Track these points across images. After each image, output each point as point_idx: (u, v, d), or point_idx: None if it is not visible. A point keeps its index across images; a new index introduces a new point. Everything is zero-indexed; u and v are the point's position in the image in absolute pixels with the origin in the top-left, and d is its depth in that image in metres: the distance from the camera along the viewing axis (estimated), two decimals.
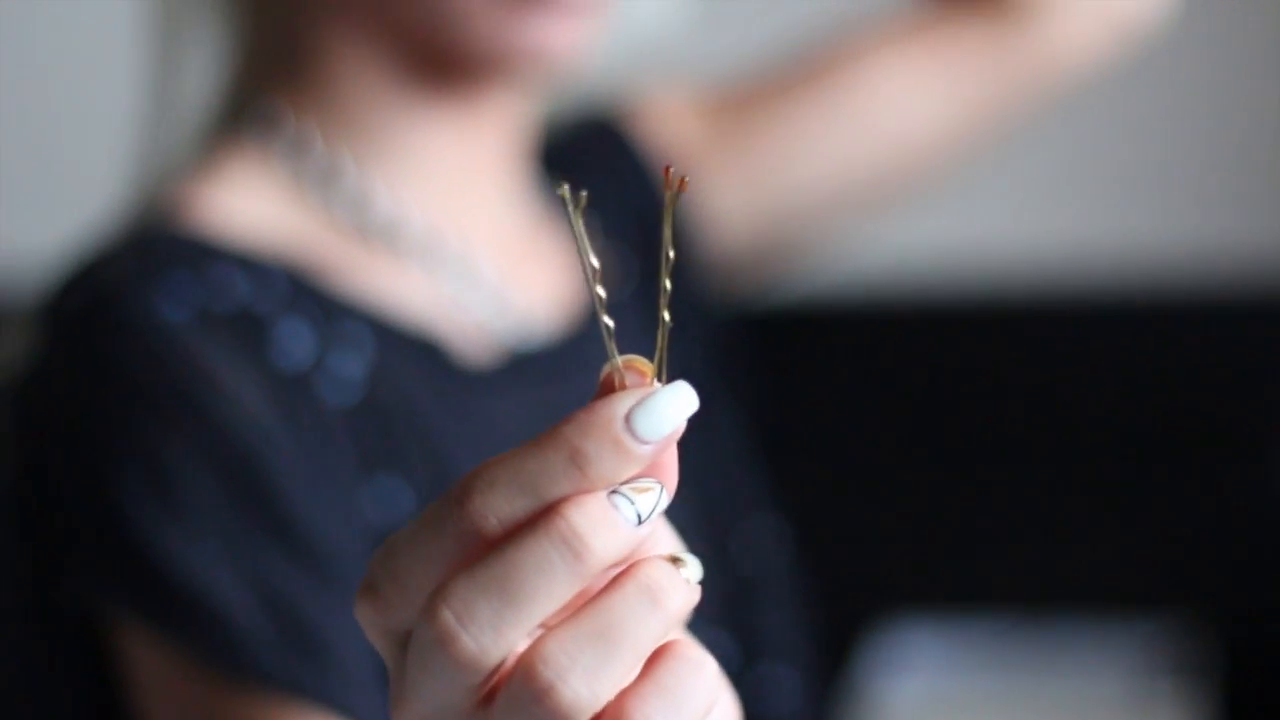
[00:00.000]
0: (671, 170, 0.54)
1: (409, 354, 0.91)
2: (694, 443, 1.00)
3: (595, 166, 1.03)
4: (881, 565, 1.79)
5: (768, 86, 1.06)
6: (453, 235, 0.95)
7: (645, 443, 0.51)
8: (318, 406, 0.86)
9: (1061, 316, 1.82)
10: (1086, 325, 1.83)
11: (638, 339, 0.97)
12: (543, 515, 0.50)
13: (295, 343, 0.88)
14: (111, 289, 0.85)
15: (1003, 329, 1.82)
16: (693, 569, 0.52)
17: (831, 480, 1.75)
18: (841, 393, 1.79)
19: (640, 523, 0.51)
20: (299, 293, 0.89)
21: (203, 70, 0.95)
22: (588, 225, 0.98)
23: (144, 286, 0.84)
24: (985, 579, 1.79)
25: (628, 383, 0.53)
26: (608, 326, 0.55)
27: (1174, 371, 1.80)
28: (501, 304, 0.95)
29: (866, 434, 1.78)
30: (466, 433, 0.91)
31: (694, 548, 0.96)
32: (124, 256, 0.88)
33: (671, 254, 0.57)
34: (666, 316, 0.55)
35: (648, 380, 0.54)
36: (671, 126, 1.05)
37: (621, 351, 0.55)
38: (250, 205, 0.91)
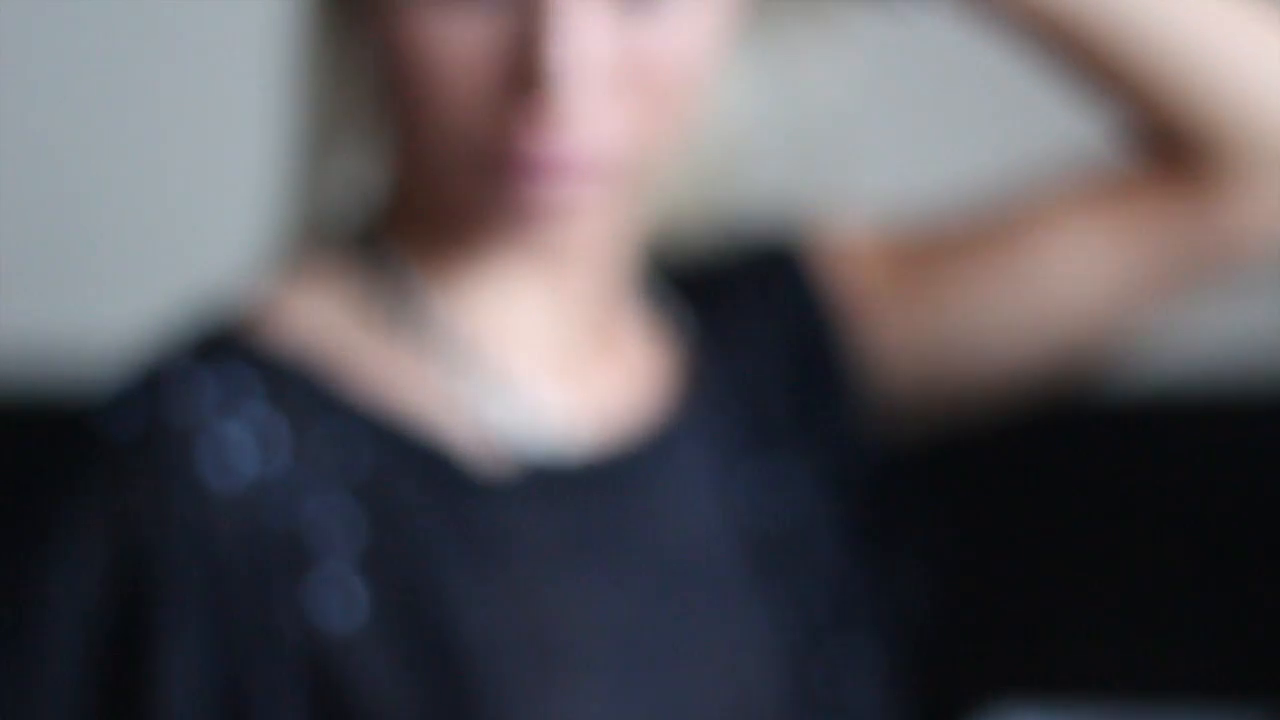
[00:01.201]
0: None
1: (412, 461, 0.91)
2: (786, 566, 0.96)
3: (753, 294, 1.01)
4: (986, 651, 1.76)
5: (948, 239, 1.02)
6: (495, 340, 0.95)
7: None
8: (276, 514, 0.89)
9: (1166, 414, 1.80)
10: (1187, 421, 1.80)
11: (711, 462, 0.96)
12: None
13: (241, 452, 0.89)
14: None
15: (1104, 427, 1.79)
16: None
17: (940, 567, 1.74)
18: None
19: None
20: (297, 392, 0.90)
21: (335, 186, 0.97)
22: (729, 354, 0.99)
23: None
24: (1091, 666, 1.77)
25: None
26: None
27: None
28: (535, 415, 0.93)
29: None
30: (466, 545, 0.90)
31: (773, 672, 0.94)
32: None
33: None
34: None
35: None
36: (849, 267, 1.02)
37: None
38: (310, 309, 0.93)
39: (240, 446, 0.89)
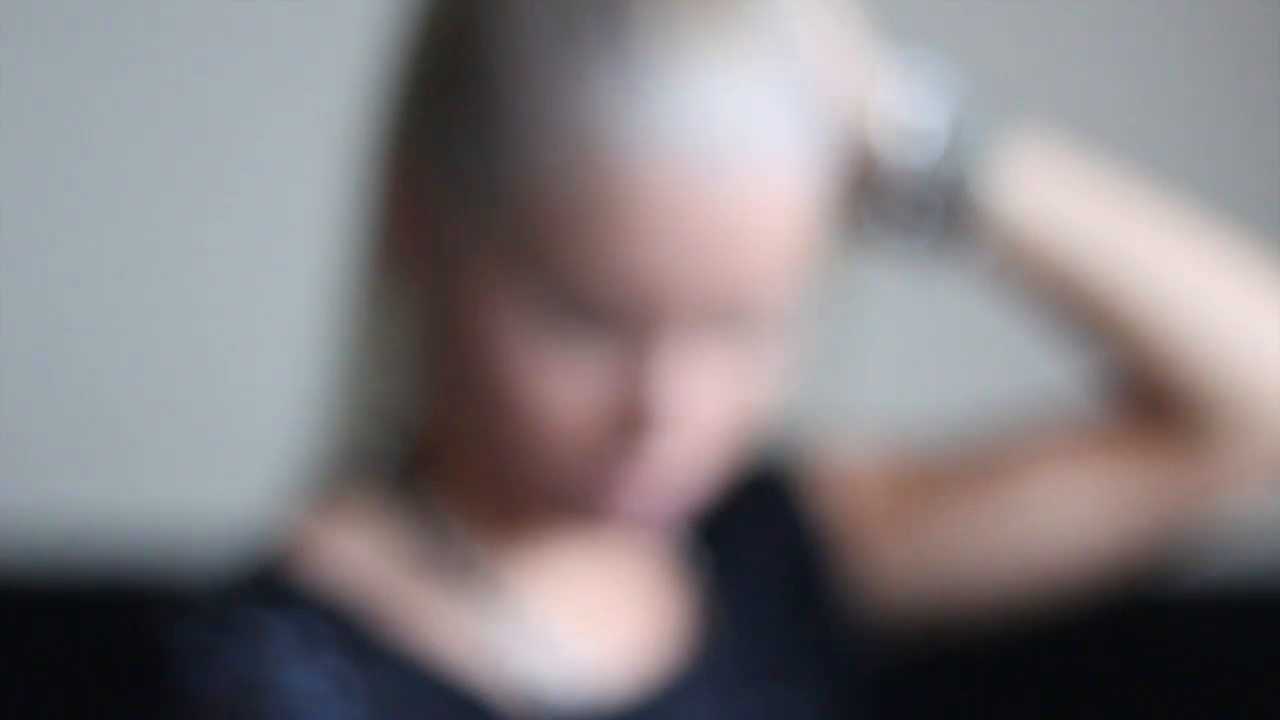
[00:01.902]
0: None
1: (447, 709, 0.91)
2: None
3: (753, 524, 1.03)
4: None
5: (942, 470, 1.04)
6: (530, 590, 0.95)
7: None
8: None
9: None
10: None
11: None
12: None
13: (319, 701, 0.90)
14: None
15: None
16: None
17: None
18: None
19: None
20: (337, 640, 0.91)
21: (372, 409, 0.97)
22: (733, 585, 1.00)
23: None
24: None
25: None
26: None
27: None
28: (569, 667, 0.95)
29: None
30: None
31: None
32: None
33: None
34: None
35: None
36: (844, 495, 1.04)
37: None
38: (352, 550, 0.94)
39: (316, 696, 0.89)
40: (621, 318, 0.86)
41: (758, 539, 1.02)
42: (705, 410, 0.87)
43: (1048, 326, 1.00)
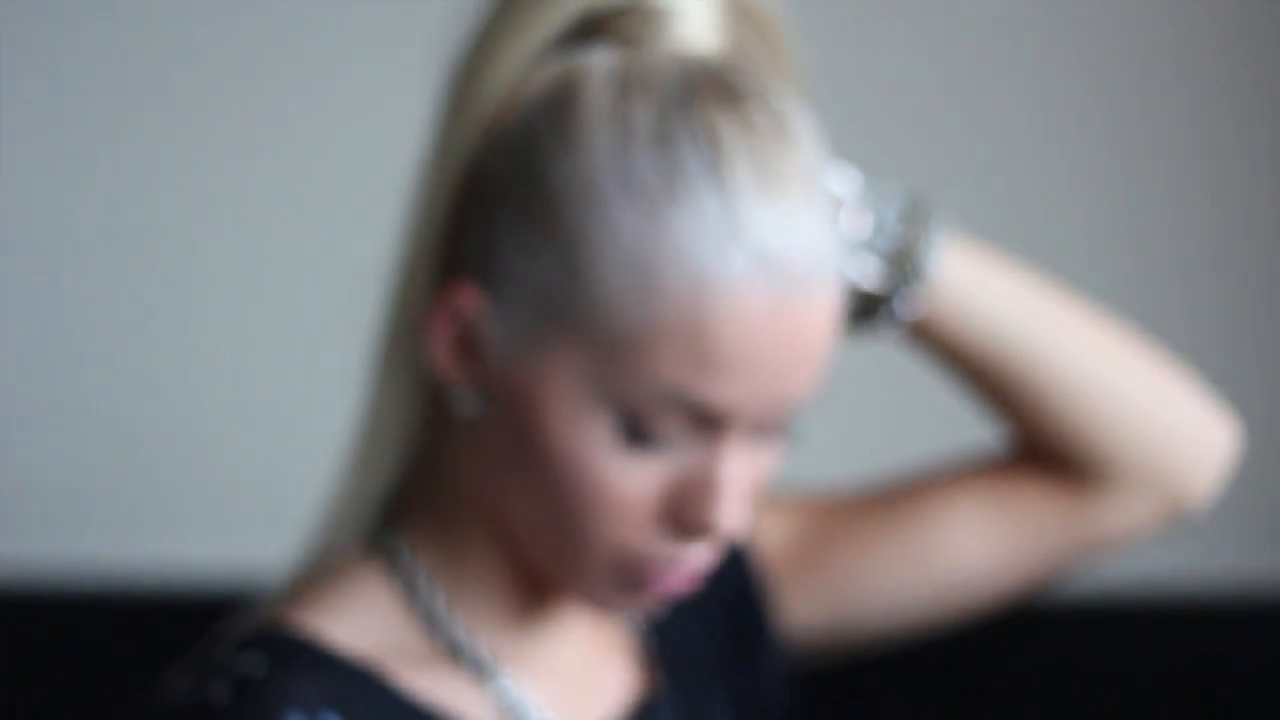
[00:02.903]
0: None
1: None
2: None
3: None
4: None
5: (851, 510, 1.13)
6: (510, 661, 1.02)
7: None
8: None
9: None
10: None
11: None
12: None
13: None
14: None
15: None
16: None
17: None
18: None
19: None
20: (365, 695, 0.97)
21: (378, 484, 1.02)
22: (668, 646, 1.09)
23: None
24: None
25: None
26: None
27: None
28: None
29: None
30: None
31: None
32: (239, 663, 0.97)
33: None
34: None
35: None
36: (767, 535, 1.12)
37: None
38: (354, 621, 1.00)
39: None
40: (704, 426, 0.92)
41: (696, 594, 1.09)
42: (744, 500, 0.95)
43: (963, 393, 1.12)
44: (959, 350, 1.09)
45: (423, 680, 0.98)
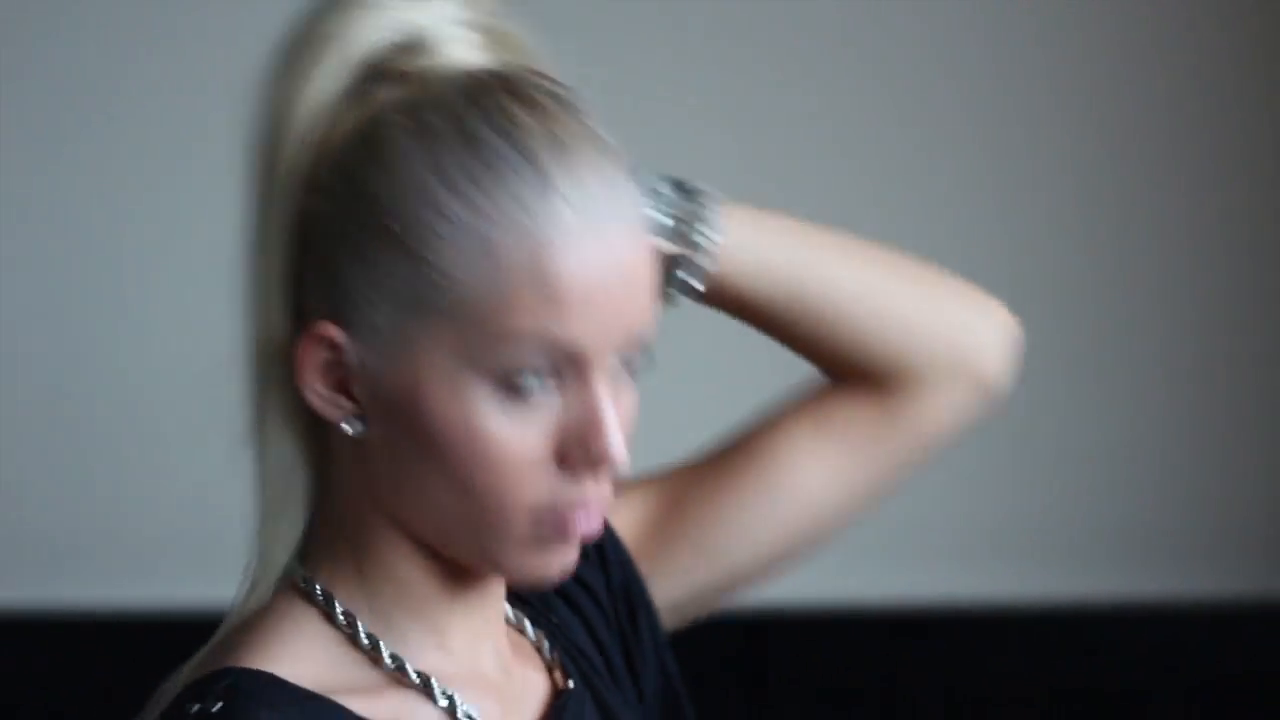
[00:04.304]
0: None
1: None
2: None
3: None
4: None
5: (695, 469, 1.22)
6: (447, 680, 1.07)
7: None
8: None
9: None
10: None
11: None
12: None
13: None
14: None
15: None
16: None
17: None
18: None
19: None
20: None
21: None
22: (564, 638, 1.16)
23: None
24: None
25: None
26: None
27: None
28: None
29: None
30: None
31: None
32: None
33: None
34: None
35: None
36: (623, 515, 1.20)
37: None
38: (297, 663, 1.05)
39: None
40: (571, 369, 1.01)
41: (580, 579, 1.17)
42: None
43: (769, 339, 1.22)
44: (751, 303, 1.19)
45: (377, 707, 1.03)
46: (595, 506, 1.04)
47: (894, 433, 1.21)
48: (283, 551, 1.06)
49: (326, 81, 1.03)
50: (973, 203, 2.58)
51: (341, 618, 1.05)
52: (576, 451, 1.02)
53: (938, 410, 1.21)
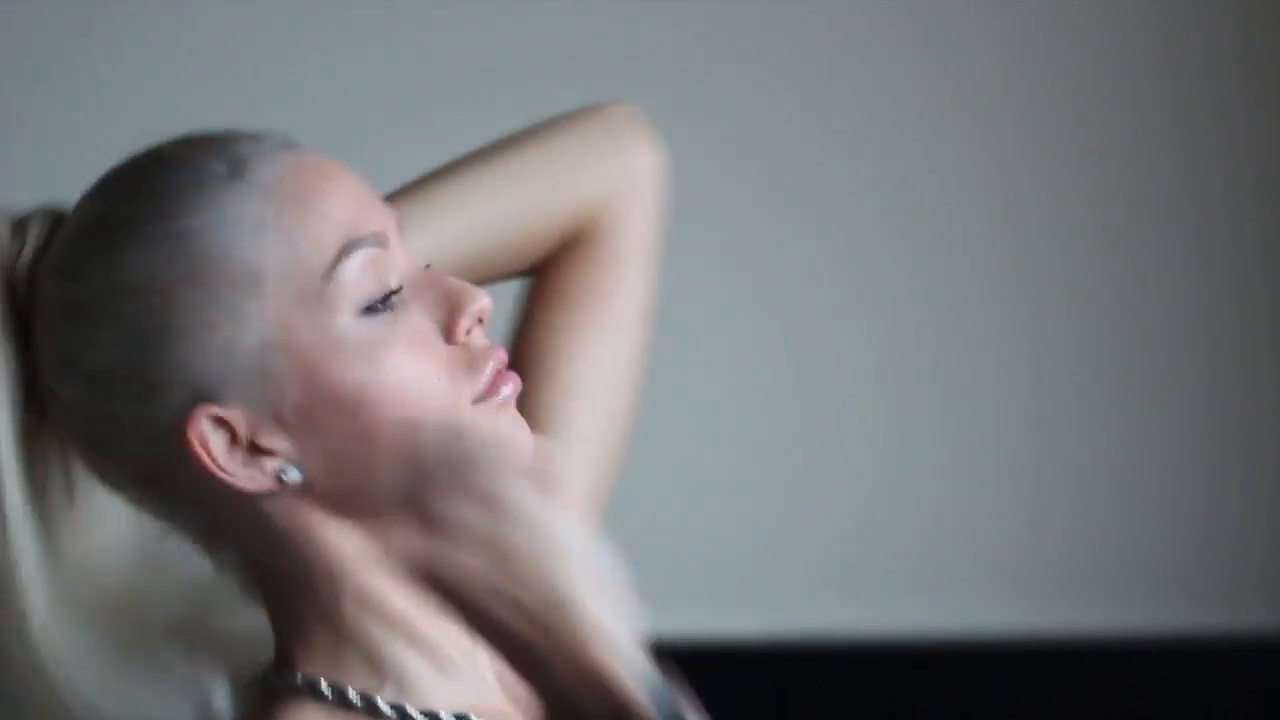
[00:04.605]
0: None
1: None
2: None
3: None
4: None
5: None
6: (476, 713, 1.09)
7: None
8: None
9: None
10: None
11: None
12: None
13: None
14: None
15: None
16: None
17: None
18: None
19: None
20: None
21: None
22: None
23: None
24: None
25: None
26: None
27: None
28: None
29: None
30: None
31: None
32: None
33: None
34: None
35: None
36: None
37: None
38: None
39: None
40: (388, 266, 1.05)
41: None
42: None
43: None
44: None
45: None
46: (500, 356, 1.07)
47: (620, 272, 1.27)
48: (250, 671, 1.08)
49: None
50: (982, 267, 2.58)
51: (351, 699, 1.06)
52: (456, 315, 1.06)
53: (632, 217, 1.27)
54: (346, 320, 1.04)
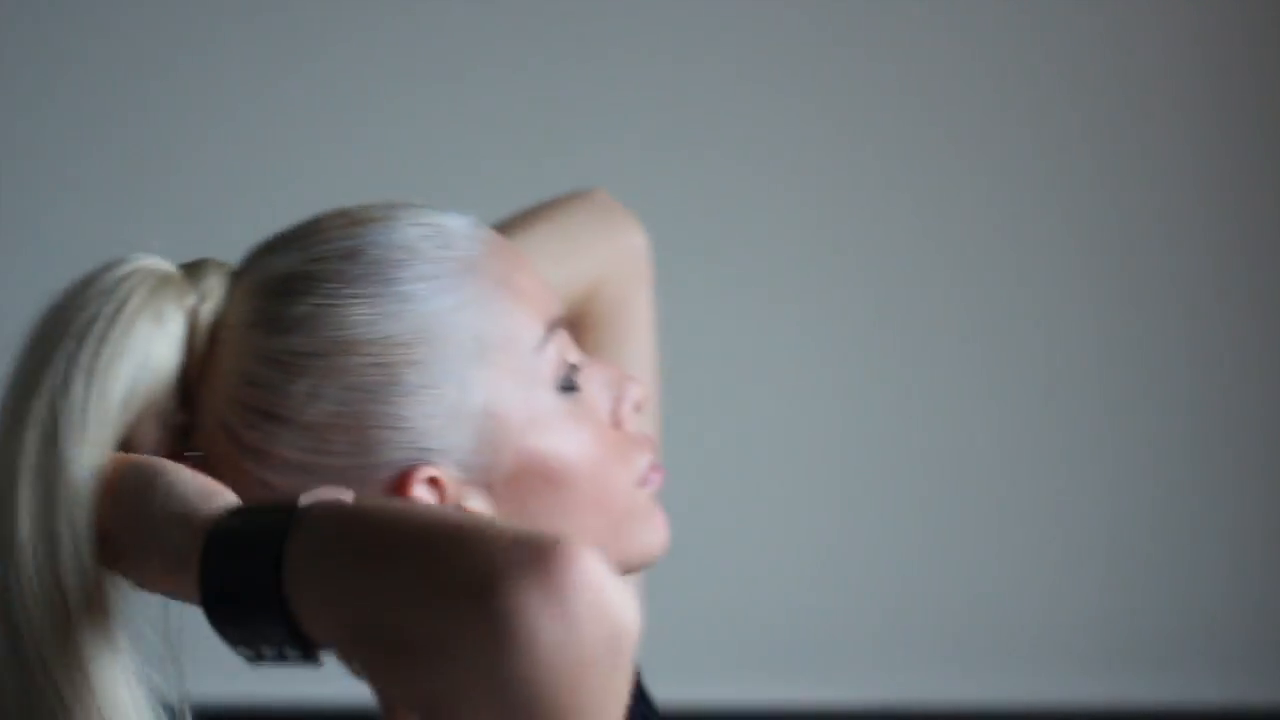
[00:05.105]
0: None
1: None
2: None
3: None
4: None
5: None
6: None
7: None
8: None
9: None
10: None
11: None
12: None
13: None
14: None
15: None
16: None
17: None
18: None
19: None
20: None
21: None
22: None
23: None
24: None
25: None
26: None
27: None
28: None
29: None
30: None
31: None
32: None
33: None
34: None
35: None
36: None
37: None
38: None
39: None
40: (570, 349, 1.11)
41: None
42: None
43: None
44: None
45: None
46: (650, 440, 1.14)
47: (623, 323, 1.37)
48: None
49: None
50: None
51: None
52: (616, 402, 1.12)
53: (631, 294, 1.37)
54: (549, 396, 1.08)
